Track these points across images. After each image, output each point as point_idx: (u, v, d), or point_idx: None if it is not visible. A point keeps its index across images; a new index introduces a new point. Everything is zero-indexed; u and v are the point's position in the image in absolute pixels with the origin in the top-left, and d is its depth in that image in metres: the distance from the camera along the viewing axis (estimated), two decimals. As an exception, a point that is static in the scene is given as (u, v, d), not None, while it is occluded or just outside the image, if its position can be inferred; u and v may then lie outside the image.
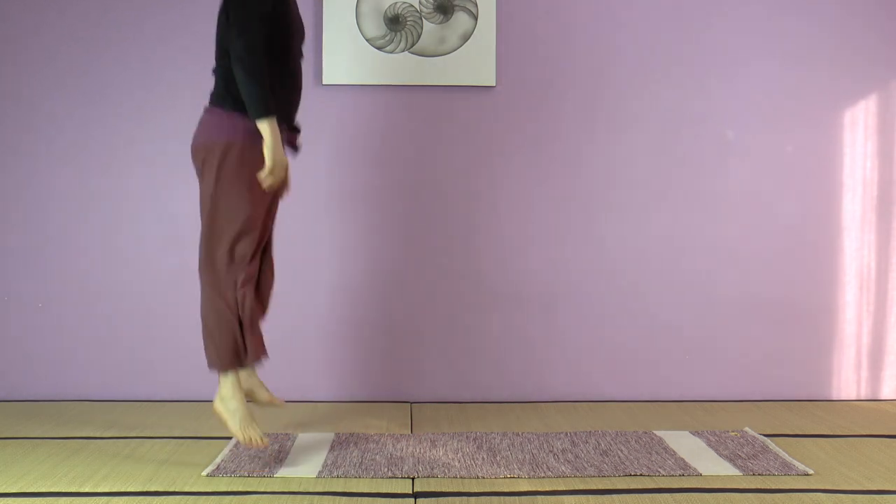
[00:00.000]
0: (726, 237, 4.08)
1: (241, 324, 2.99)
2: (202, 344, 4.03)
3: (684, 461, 3.02)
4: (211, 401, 3.94)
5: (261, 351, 3.06)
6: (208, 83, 4.00)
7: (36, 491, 2.68)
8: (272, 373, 4.01)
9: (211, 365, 3.01)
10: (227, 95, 2.98)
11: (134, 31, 3.97)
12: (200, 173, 3.05)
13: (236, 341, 2.98)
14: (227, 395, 2.99)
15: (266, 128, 2.87)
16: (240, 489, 2.71)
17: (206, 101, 4.05)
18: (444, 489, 2.72)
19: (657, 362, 4.08)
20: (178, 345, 4.00)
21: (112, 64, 3.97)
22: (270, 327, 4.04)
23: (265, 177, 2.92)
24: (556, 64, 4.04)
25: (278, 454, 3.08)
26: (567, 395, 4.04)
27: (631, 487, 2.74)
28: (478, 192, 4.05)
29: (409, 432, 3.44)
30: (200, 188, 3.05)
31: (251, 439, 2.92)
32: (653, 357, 4.07)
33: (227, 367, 2.97)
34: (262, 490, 2.70)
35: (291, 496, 2.65)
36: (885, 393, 4.13)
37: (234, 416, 2.96)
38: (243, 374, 3.09)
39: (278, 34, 2.96)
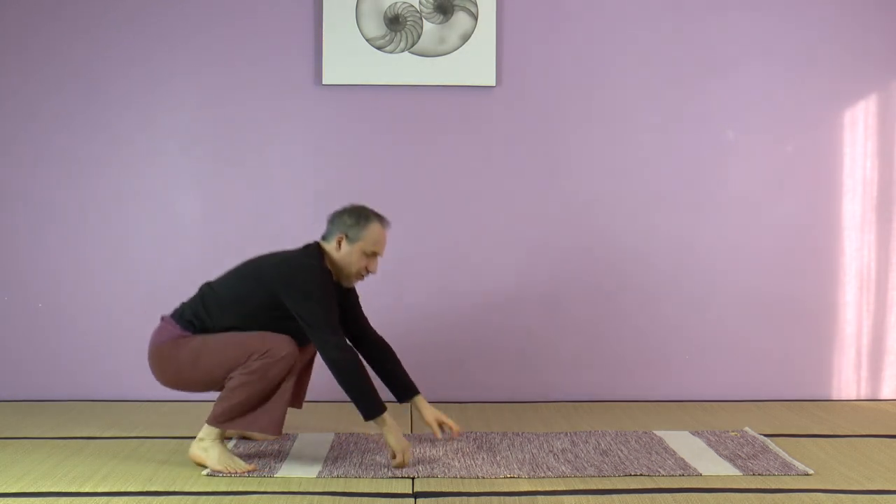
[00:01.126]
0: (726, 237, 4.08)
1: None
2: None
3: (684, 461, 3.02)
4: (210, 401, 3.93)
5: None
6: (209, 84, 4.01)
7: (36, 491, 2.68)
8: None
9: (265, 431, 2.93)
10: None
11: (135, 33, 3.97)
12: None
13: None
14: (207, 440, 2.93)
15: (382, 422, 2.89)
16: (240, 489, 2.71)
17: (206, 101, 4.07)
18: (444, 489, 2.72)
19: (657, 362, 4.08)
20: (178, 345, 3.99)
21: (112, 65, 3.97)
22: (270, 327, 4.03)
23: (396, 464, 2.90)
24: (556, 64, 4.04)
25: (278, 454, 3.08)
26: (567, 395, 4.04)
27: (631, 487, 2.74)
28: (477, 191, 4.05)
29: (409, 432, 3.44)
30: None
31: (234, 468, 2.88)
32: (653, 357, 4.07)
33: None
34: (262, 490, 2.70)
35: (291, 496, 2.64)
36: (885, 393, 4.12)
37: (209, 454, 2.91)
38: None
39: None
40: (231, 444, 3.30)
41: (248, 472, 2.87)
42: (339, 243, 3.03)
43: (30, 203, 3.99)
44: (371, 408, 2.88)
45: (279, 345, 2.88)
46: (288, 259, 3.01)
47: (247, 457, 3.04)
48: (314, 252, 3.04)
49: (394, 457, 2.90)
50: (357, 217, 3.04)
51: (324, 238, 3.10)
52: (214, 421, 2.92)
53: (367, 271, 3.06)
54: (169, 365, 3.00)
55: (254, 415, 2.90)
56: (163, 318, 3.09)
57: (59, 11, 3.95)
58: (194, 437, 3.31)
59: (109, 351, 3.99)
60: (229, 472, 2.86)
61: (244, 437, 3.27)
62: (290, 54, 3.99)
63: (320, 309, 2.90)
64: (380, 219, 3.06)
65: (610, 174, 4.06)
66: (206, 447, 2.93)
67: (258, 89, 4.00)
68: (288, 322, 2.93)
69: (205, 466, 2.90)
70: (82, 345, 3.99)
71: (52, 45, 3.96)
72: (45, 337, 3.99)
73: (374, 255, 3.05)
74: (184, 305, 3.08)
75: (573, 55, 4.04)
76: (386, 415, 2.89)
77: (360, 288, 4.02)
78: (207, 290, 3.07)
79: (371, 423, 2.90)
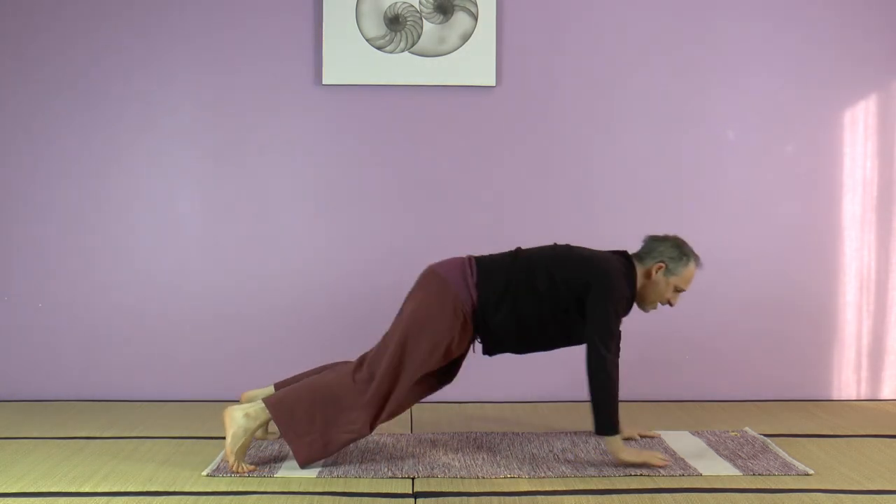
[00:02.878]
0: (726, 237, 4.08)
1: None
2: (203, 344, 4.05)
3: (684, 461, 3.02)
4: (210, 400, 3.94)
5: None
6: (209, 84, 4.01)
7: (36, 491, 2.68)
8: (273, 373, 4.00)
9: (296, 454, 2.92)
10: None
11: (135, 33, 3.97)
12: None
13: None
14: (249, 424, 2.90)
15: (613, 441, 2.91)
16: (240, 489, 2.71)
17: (206, 101, 4.07)
18: (444, 489, 2.72)
19: (657, 362, 4.08)
20: (178, 345, 4.00)
21: (113, 66, 3.97)
22: (270, 326, 4.05)
23: (659, 463, 2.94)
24: (556, 64, 4.04)
25: (278, 454, 3.08)
26: (567, 395, 4.03)
27: (631, 487, 2.74)
28: (477, 191, 4.05)
29: (409, 432, 3.44)
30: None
31: (236, 466, 2.87)
32: (653, 357, 4.07)
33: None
34: (262, 490, 2.70)
35: (291, 496, 2.64)
36: (885, 393, 4.12)
37: (237, 439, 2.89)
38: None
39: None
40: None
41: (249, 472, 2.87)
42: (657, 270, 3.05)
43: (30, 203, 3.99)
44: (607, 426, 2.90)
45: (367, 422, 2.90)
46: (609, 261, 3.02)
47: (247, 456, 3.04)
48: (631, 267, 3.06)
49: (644, 464, 2.91)
50: (681, 252, 3.07)
51: (638, 256, 3.11)
52: (270, 404, 2.89)
53: (669, 303, 3.11)
54: (416, 301, 3.00)
55: (300, 432, 2.88)
56: (467, 257, 3.08)
57: (59, 13, 3.95)
58: (194, 437, 3.32)
59: (109, 351, 3.99)
60: (232, 467, 2.85)
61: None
62: (290, 54, 4.00)
63: (617, 320, 2.96)
64: (697, 259, 3.11)
65: (610, 174, 4.06)
66: (240, 425, 2.88)
67: (258, 89, 4.00)
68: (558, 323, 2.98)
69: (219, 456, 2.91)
70: (82, 345, 3.99)
71: (52, 47, 3.96)
72: (45, 337, 3.99)
73: (680, 291, 3.10)
74: (495, 259, 3.06)
75: (573, 55, 4.04)
76: (617, 436, 2.92)
77: (360, 287, 4.03)
78: (518, 255, 3.07)
79: (600, 438, 2.99)
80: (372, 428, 2.93)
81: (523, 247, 3.16)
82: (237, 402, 3.91)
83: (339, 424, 2.90)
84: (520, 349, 3.11)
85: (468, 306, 2.97)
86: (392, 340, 2.96)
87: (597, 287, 2.94)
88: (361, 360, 3.01)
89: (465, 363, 4.03)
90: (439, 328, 2.94)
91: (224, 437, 3.26)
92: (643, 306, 3.12)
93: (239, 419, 2.89)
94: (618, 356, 2.98)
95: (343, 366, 3.04)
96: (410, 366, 2.93)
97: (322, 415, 2.90)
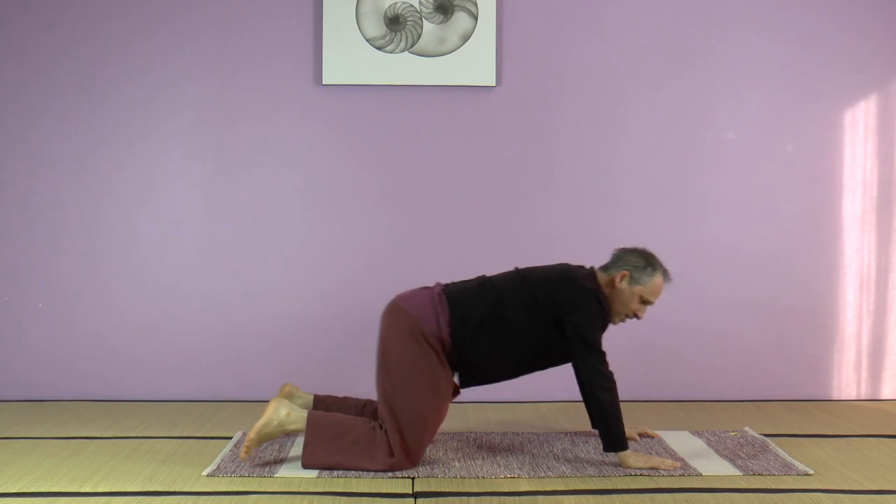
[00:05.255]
0: (726, 237, 4.08)
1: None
2: (204, 344, 4.06)
3: (684, 461, 3.02)
4: (211, 400, 3.94)
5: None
6: (209, 84, 4.01)
7: (36, 491, 2.68)
8: (272, 372, 4.01)
9: (303, 455, 2.92)
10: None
11: (135, 34, 3.97)
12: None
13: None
14: (285, 423, 2.92)
15: (620, 455, 2.92)
16: (240, 489, 2.71)
17: (206, 101, 4.07)
18: (444, 489, 2.72)
19: (657, 362, 4.08)
20: (178, 345, 4.00)
21: (113, 66, 3.97)
22: (270, 326, 4.05)
23: (668, 468, 2.93)
24: (556, 64, 4.04)
25: (278, 454, 3.08)
26: (567, 395, 4.03)
27: (631, 487, 2.74)
28: (477, 191, 4.05)
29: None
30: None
31: (249, 446, 2.88)
32: (653, 357, 4.07)
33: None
34: (262, 490, 2.70)
35: (291, 496, 2.64)
36: (885, 393, 4.12)
37: (268, 425, 2.90)
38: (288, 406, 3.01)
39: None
40: (238, 435, 3.31)
41: (246, 456, 2.88)
42: (621, 279, 3.02)
43: (30, 204, 3.99)
44: (617, 442, 2.90)
45: (406, 460, 2.89)
46: (577, 277, 3.01)
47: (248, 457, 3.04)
48: (595, 278, 3.04)
49: (657, 468, 2.90)
50: (647, 262, 3.04)
51: (604, 267, 3.09)
52: (311, 419, 2.92)
53: (635, 315, 3.07)
54: (392, 350, 2.95)
55: (320, 438, 2.89)
56: (436, 288, 3.04)
57: (61, 16, 3.95)
58: (194, 437, 3.32)
59: (109, 351, 3.99)
60: (246, 443, 2.87)
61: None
62: (290, 54, 4.00)
63: (598, 334, 2.96)
64: (665, 273, 3.07)
65: (610, 173, 4.06)
66: (280, 419, 2.90)
67: (258, 89, 4.00)
68: (535, 347, 2.98)
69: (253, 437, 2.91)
70: (82, 345, 3.99)
71: (55, 50, 3.96)
72: (45, 337, 3.99)
73: (647, 303, 3.06)
74: (464, 290, 3.02)
75: (573, 55, 4.04)
76: (626, 452, 2.93)
77: (361, 287, 4.03)
78: (486, 285, 3.04)
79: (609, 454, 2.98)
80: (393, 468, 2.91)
81: (488, 273, 3.15)
82: (237, 402, 3.93)
83: (357, 459, 2.90)
84: (496, 379, 3.09)
85: (438, 343, 2.94)
86: (387, 410, 2.91)
87: (572, 305, 2.93)
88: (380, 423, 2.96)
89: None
90: (424, 374, 2.92)
91: (226, 438, 3.26)
92: (609, 318, 3.06)
93: (282, 414, 2.92)
94: (609, 370, 2.96)
95: (377, 436, 2.94)
96: (423, 422, 2.91)
97: (349, 450, 2.90)
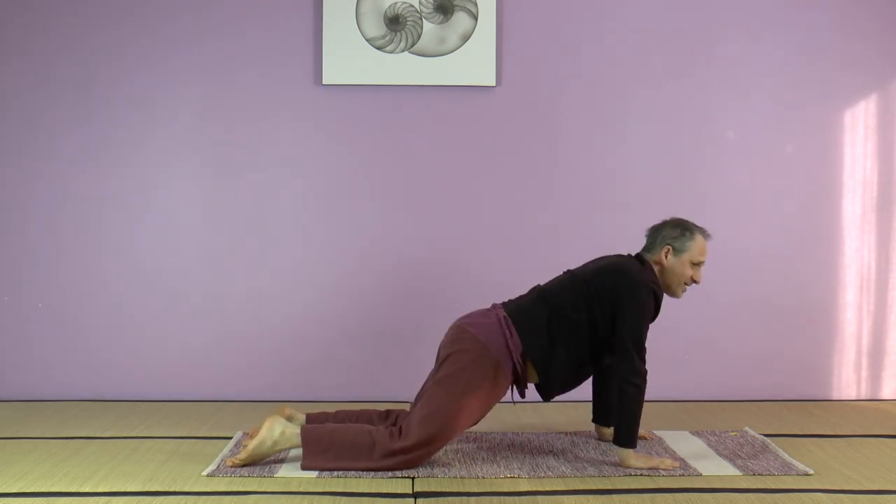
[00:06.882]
0: (726, 237, 4.06)
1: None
2: (204, 344, 4.06)
3: (684, 461, 3.02)
4: (210, 400, 3.94)
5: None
6: (209, 84, 4.01)
7: (36, 491, 2.68)
8: (272, 372, 4.01)
9: (304, 458, 2.92)
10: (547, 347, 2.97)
11: (135, 35, 3.97)
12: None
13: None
14: (280, 442, 2.92)
15: (624, 452, 2.92)
16: (240, 489, 2.70)
17: (206, 101, 4.06)
18: (444, 489, 2.71)
19: (657, 362, 4.06)
20: (178, 345, 4.00)
21: (113, 67, 3.97)
22: (270, 326, 4.05)
23: (668, 468, 2.94)
24: (556, 64, 4.04)
25: (278, 454, 3.08)
26: (567, 395, 4.03)
27: (631, 487, 2.74)
28: (477, 191, 4.05)
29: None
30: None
31: (239, 461, 2.89)
32: (653, 357, 4.05)
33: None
34: (262, 490, 2.70)
35: (291, 496, 2.64)
36: (885, 393, 4.12)
37: (262, 445, 2.90)
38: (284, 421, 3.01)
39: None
40: (238, 435, 3.31)
41: (239, 465, 2.89)
42: (666, 255, 3.04)
43: (30, 204, 3.99)
44: (629, 440, 2.92)
45: (412, 456, 2.88)
46: (627, 266, 3.02)
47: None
48: (647, 268, 3.05)
49: (657, 468, 2.91)
50: (682, 229, 3.07)
51: (646, 250, 3.11)
52: (305, 432, 2.91)
53: (693, 281, 3.09)
54: (459, 367, 2.93)
55: (315, 449, 2.88)
56: (498, 311, 3.03)
57: (62, 18, 3.95)
58: (194, 437, 3.32)
59: (110, 351, 3.99)
60: (236, 459, 2.88)
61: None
62: (290, 54, 4.00)
63: (646, 327, 2.99)
64: (702, 231, 3.09)
65: (610, 174, 4.06)
66: (274, 438, 2.90)
67: (258, 89, 4.00)
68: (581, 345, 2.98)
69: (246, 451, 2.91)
70: (82, 345, 3.99)
71: (55, 51, 3.96)
72: (45, 337, 3.99)
73: (699, 264, 3.07)
74: (523, 307, 3.02)
75: (573, 55, 4.04)
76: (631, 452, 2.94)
77: (361, 287, 4.03)
78: (542, 294, 3.05)
79: (616, 448, 2.98)
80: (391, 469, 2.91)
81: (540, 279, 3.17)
82: (237, 402, 3.93)
83: (355, 460, 2.89)
84: (577, 383, 3.12)
85: (509, 367, 2.95)
86: (426, 413, 2.90)
87: (624, 295, 2.95)
88: (398, 426, 2.94)
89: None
90: (479, 396, 2.93)
91: (226, 438, 3.26)
92: (673, 293, 3.11)
93: (276, 433, 2.91)
94: (645, 368, 2.97)
95: (378, 431, 2.94)
96: (450, 431, 2.91)
97: (346, 454, 2.89)
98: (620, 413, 2.93)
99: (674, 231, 3.07)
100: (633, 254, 3.14)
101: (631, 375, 2.92)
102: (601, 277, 3.00)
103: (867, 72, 4.08)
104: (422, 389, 3.04)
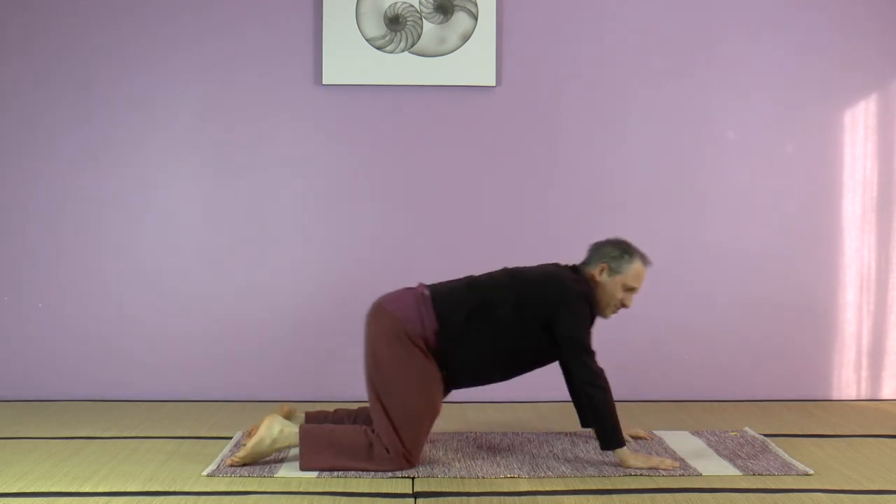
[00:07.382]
0: (726, 237, 4.08)
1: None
2: (203, 344, 4.06)
3: (684, 461, 3.02)
4: (210, 400, 3.94)
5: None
6: (209, 84, 4.01)
7: (36, 491, 2.68)
8: (272, 372, 4.01)
9: (301, 458, 2.92)
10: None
11: (136, 34, 3.97)
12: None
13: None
14: (278, 440, 2.93)
15: (621, 453, 2.91)
16: (240, 489, 2.70)
17: (206, 101, 4.07)
18: (444, 489, 2.72)
19: (657, 362, 4.08)
20: (178, 345, 4.00)
21: (113, 67, 3.97)
22: (270, 326, 4.05)
23: (667, 468, 2.93)
24: (556, 64, 4.04)
25: (278, 454, 3.08)
26: (568, 395, 4.03)
27: (631, 487, 2.74)
28: (478, 191, 4.05)
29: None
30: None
31: (235, 463, 2.90)
32: (653, 357, 4.07)
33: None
34: (262, 490, 2.70)
35: (291, 496, 2.64)
36: (885, 393, 4.12)
37: (261, 444, 2.91)
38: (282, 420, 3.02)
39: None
40: (238, 435, 3.31)
41: (239, 464, 2.90)
42: (601, 272, 3.04)
43: (30, 204, 3.99)
44: (613, 440, 2.90)
45: (404, 460, 2.88)
46: (564, 277, 3.01)
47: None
48: (582, 279, 3.04)
49: (657, 468, 2.90)
50: (622, 251, 3.06)
51: (584, 264, 3.10)
52: (304, 431, 2.92)
53: (623, 305, 3.07)
54: (380, 353, 2.95)
55: (314, 448, 2.89)
56: (420, 288, 3.02)
57: (62, 18, 3.95)
58: (194, 437, 3.32)
59: (109, 351, 3.99)
60: (235, 459, 2.89)
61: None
62: (290, 54, 4.00)
63: (588, 333, 2.96)
64: (642, 257, 3.08)
65: (610, 174, 4.06)
66: (273, 437, 2.90)
67: (258, 89, 4.00)
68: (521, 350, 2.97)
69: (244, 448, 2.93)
70: (82, 345, 3.99)
71: (55, 51, 3.96)
72: (45, 337, 3.99)
73: (632, 290, 3.06)
74: (450, 290, 3.02)
75: (573, 55, 4.04)
76: (624, 449, 2.92)
77: (360, 287, 4.02)
78: (473, 284, 3.03)
79: (607, 452, 2.96)
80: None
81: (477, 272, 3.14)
82: (237, 402, 3.93)
83: (354, 462, 2.89)
84: (484, 380, 3.09)
85: (423, 343, 2.93)
86: (381, 413, 2.90)
87: (561, 307, 2.93)
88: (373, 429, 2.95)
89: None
90: (423, 370, 2.92)
91: (226, 438, 3.26)
92: (601, 312, 3.07)
93: (275, 431, 2.92)
94: (600, 367, 2.95)
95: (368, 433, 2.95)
96: (418, 421, 2.90)
97: (345, 455, 2.90)
98: (595, 419, 2.91)
99: (614, 251, 3.06)
100: (570, 264, 3.12)
101: (591, 379, 2.90)
102: (537, 287, 2.98)
103: (867, 72, 4.08)
104: (367, 378, 2.99)
